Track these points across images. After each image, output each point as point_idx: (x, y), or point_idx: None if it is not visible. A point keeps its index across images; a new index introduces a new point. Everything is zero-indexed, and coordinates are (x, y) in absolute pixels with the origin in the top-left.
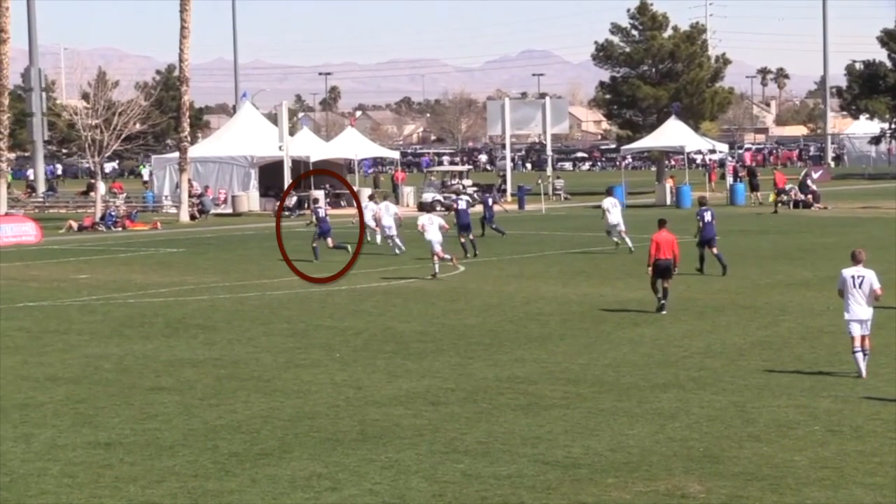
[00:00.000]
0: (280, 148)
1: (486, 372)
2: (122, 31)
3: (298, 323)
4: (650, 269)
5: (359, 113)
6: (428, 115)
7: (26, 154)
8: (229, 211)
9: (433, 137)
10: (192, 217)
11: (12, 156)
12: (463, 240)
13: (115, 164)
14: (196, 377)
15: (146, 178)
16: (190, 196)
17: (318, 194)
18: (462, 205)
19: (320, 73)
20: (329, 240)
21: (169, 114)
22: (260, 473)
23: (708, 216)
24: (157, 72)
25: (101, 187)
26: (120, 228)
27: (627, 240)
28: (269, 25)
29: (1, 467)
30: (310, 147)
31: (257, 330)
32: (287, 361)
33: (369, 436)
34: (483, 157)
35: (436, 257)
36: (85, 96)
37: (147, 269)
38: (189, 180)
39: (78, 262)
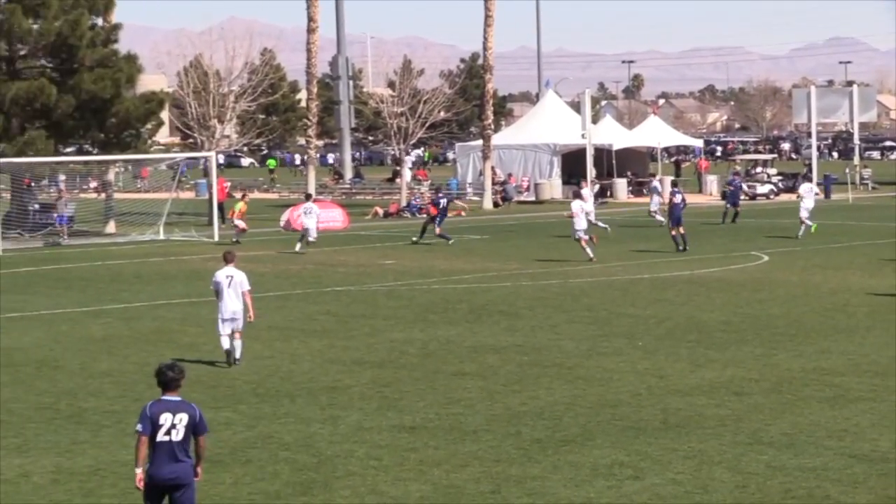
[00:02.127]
0: (583, 136)
1: (791, 363)
2: (426, 21)
3: (600, 310)
4: None
5: (662, 101)
6: (732, 103)
7: (334, 141)
8: (532, 198)
9: (737, 125)
10: (496, 204)
11: (320, 143)
12: (674, 233)
13: (419, 152)
14: (499, 363)
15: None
16: (493, 183)
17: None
18: (678, 199)
19: (623, 62)
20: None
21: (472, 102)
22: (562, 460)
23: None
24: (462, 60)
25: (407, 174)
26: (424, 215)
27: (808, 222)
28: (572, 13)
29: (309, 448)
30: (612, 135)
31: (559, 317)
32: (589, 349)
33: (672, 425)
34: (786, 146)
35: (583, 242)
36: (391, 84)
37: (451, 256)
38: (492, 168)
39: (383, 247)
